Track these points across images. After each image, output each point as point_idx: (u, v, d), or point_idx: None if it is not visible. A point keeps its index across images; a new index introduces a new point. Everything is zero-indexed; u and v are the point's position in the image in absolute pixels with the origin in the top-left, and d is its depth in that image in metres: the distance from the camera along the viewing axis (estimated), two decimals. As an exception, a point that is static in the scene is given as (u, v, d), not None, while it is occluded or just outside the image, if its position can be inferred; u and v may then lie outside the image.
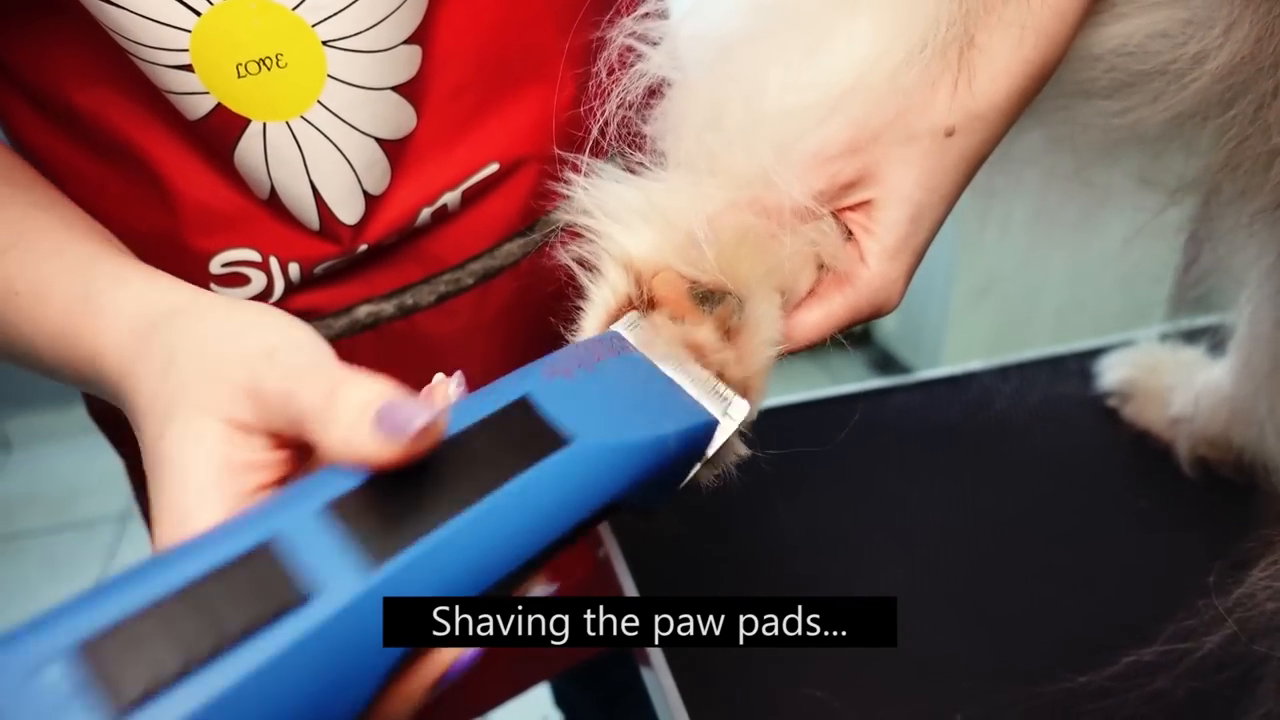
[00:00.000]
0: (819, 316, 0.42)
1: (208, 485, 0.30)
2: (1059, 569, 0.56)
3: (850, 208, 0.42)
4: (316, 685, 0.23)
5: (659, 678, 0.51)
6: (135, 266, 0.39)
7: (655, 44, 0.43)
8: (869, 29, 0.40)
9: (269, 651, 0.22)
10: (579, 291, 0.43)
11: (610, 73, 0.43)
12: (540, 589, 0.32)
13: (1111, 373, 0.71)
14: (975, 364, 0.76)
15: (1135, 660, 0.42)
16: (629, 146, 0.44)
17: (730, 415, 0.38)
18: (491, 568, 0.28)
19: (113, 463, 0.60)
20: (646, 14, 0.44)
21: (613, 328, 0.40)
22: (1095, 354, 0.75)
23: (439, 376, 0.35)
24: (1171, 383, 0.67)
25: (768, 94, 0.41)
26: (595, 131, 0.43)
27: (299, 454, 0.32)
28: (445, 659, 0.28)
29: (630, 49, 0.43)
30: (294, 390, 0.30)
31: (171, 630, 0.22)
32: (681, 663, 0.51)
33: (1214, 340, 0.67)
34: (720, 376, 0.40)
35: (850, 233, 0.42)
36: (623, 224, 0.42)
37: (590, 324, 0.42)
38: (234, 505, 0.30)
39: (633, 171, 0.44)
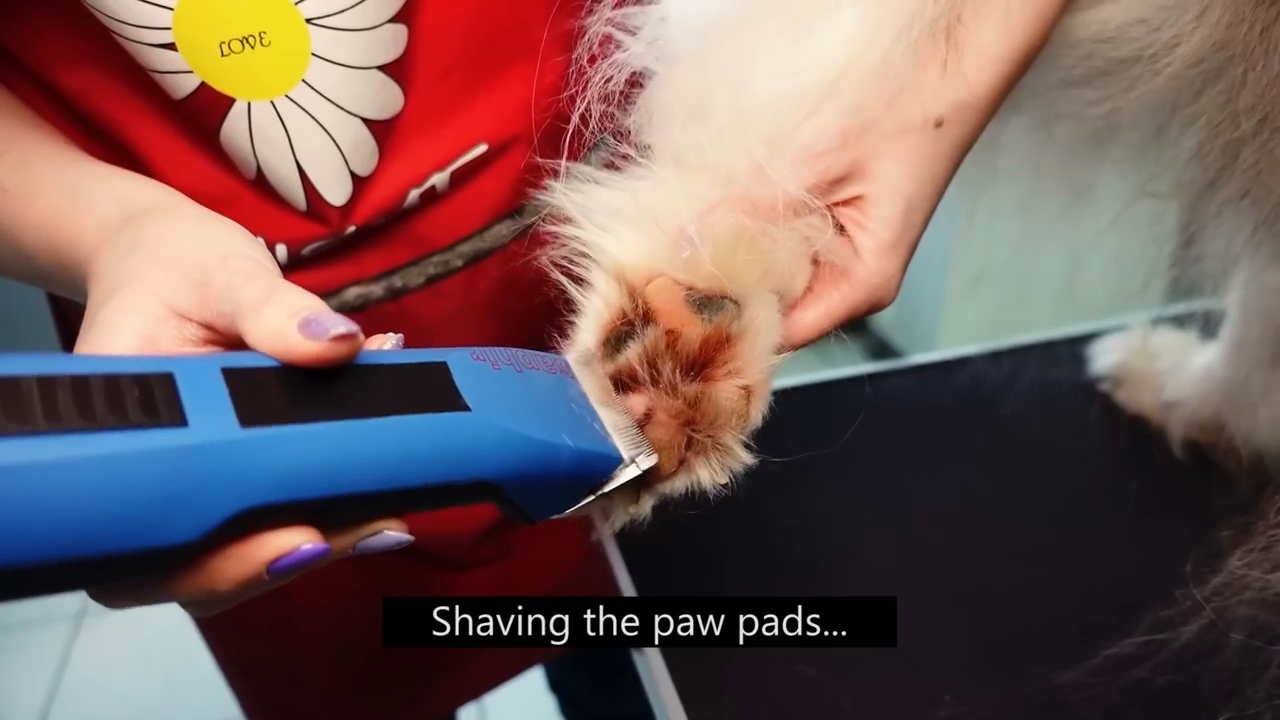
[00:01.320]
0: (817, 315, 0.42)
1: (124, 349, 0.32)
2: (1050, 553, 0.57)
3: (841, 203, 0.41)
4: (155, 496, 0.25)
5: (649, 658, 0.51)
6: (125, 171, 0.41)
7: (635, 33, 0.43)
8: (855, 13, 0.39)
9: (131, 446, 0.25)
10: (570, 305, 0.42)
11: (591, 61, 0.43)
12: (392, 534, 0.32)
13: (1103, 357, 0.71)
14: (968, 349, 0.76)
15: (1115, 652, 0.42)
16: (613, 137, 0.43)
17: (638, 463, 0.38)
18: (341, 480, 0.29)
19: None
20: (627, 1, 0.43)
21: (565, 355, 0.40)
22: (1087, 339, 0.75)
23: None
24: (1163, 367, 0.67)
25: (754, 84, 0.40)
26: (576, 120, 0.43)
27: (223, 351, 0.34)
28: (276, 547, 0.29)
29: (611, 37, 0.43)
30: (237, 285, 0.32)
31: (54, 401, 0.24)
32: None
33: (1205, 325, 0.67)
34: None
35: (842, 228, 0.42)
36: (610, 231, 0.41)
37: (584, 338, 0.41)
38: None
39: (617, 166, 0.43)
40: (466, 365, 0.34)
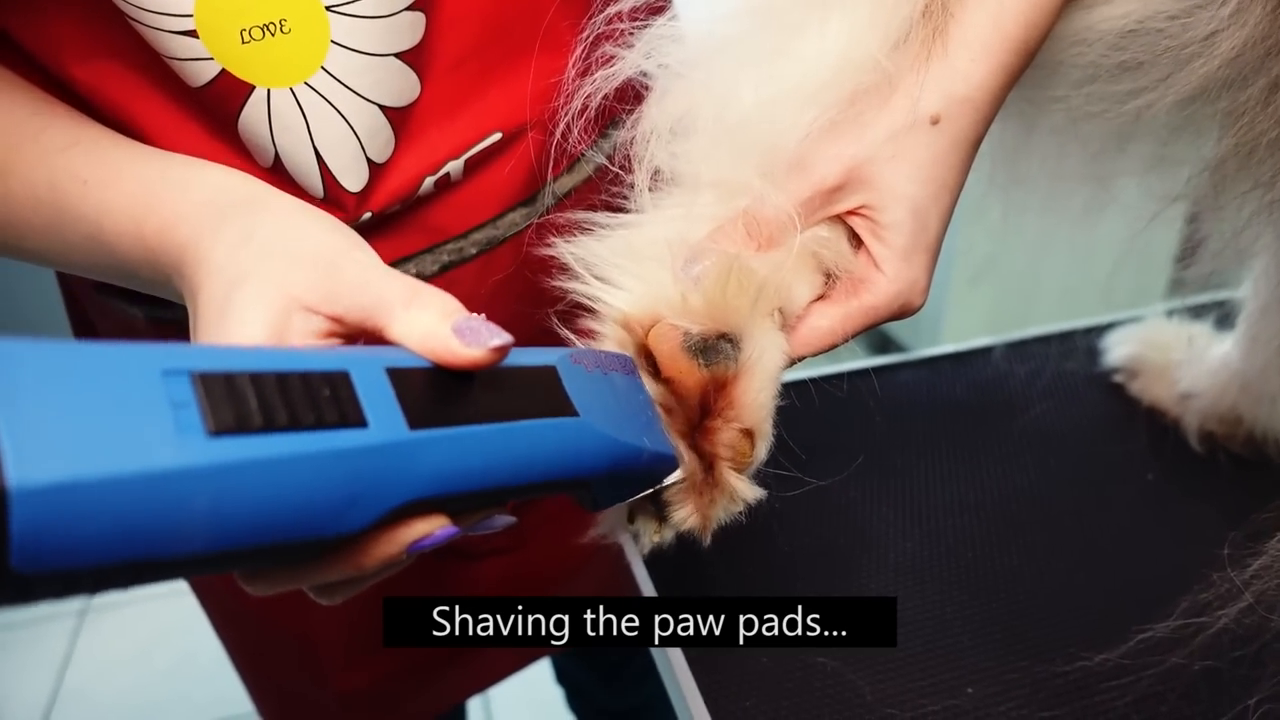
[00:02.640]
0: (833, 322, 0.42)
1: (256, 340, 0.33)
2: (1068, 542, 0.57)
3: (850, 213, 0.41)
4: (340, 491, 0.27)
5: (667, 650, 0.51)
6: (207, 161, 0.42)
7: (631, 46, 0.43)
8: (842, 16, 0.39)
9: (327, 446, 0.27)
10: (535, 261, 0.45)
11: (585, 72, 0.43)
12: (501, 518, 0.37)
13: (1118, 348, 0.71)
14: (982, 340, 0.76)
15: (1150, 636, 0.42)
16: (603, 156, 0.45)
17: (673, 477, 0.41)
18: (481, 477, 0.32)
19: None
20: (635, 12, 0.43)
21: (629, 354, 0.41)
22: (1102, 330, 0.75)
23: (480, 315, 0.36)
24: (1179, 358, 0.67)
25: (740, 96, 0.40)
26: (558, 134, 0.45)
27: (345, 343, 0.35)
28: (418, 532, 0.31)
29: (609, 48, 0.44)
30: (372, 281, 0.34)
31: (263, 397, 0.26)
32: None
33: (1221, 315, 0.67)
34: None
35: (859, 239, 0.42)
36: (611, 283, 0.42)
37: None
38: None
39: (598, 184, 0.44)
40: (569, 369, 0.37)
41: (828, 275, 0.43)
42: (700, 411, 0.41)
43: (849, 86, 0.39)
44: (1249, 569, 0.38)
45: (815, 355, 0.43)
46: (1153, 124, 0.52)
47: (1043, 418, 0.67)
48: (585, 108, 0.44)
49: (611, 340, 0.42)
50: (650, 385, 0.41)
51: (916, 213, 0.40)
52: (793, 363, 0.43)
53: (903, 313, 0.42)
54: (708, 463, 0.41)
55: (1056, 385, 0.71)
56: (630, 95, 0.45)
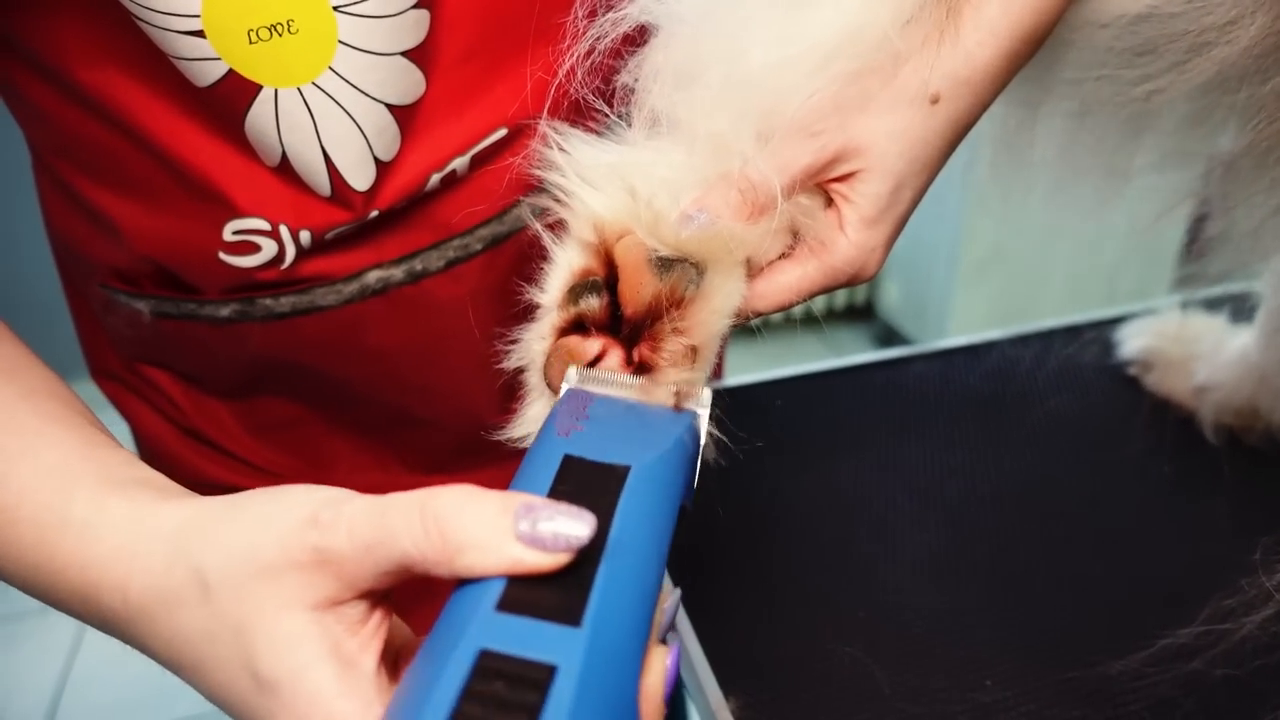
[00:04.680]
0: (792, 279, 0.43)
1: (338, 692, 0.28)
2: (1084, 535, 0.56)
3: (834, 178, 0.41)
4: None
5: (684, 639, 0.51)
6: (110, 476, 0.35)
7: None
8: None
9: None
10: (537, 254, 0.44)
11: (590, 15, 0.42)
12: (670, 600, 0.34)
13: (1132, 341, 0.71)
14: (994, 332, 0.76)
15: (1171, 642, 0.42)
16: (600, 98, 0.44)
17: (700, 405, 0.40)
18: (647, 583, 0.30)
19: (118, 429, 0.59)
20: None
21: (565, 386, 0.41)
22: (1115, 322, 0.74)
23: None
24: (1194, 351, 0.66)
25: (752, 52, 0.40)
26: (561, 76, 0.43)
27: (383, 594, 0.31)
28: (657, 678, 0.30)
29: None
30: (378, 540, 0.29)
31: None
32: (706, 627, 0.51)
33: (1236, 309, 0.66)
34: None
35: (829, 199, 0.42)
36: (594, 185, 0.42)
37: (554, 284, 0.42)
38: (368, 687, 0.29)
39: (599, 132, 0.44)
40: (574, 443, 0.35)
41: (794, 234, 0.43)
42: (642, 324, 0.41)
43: (857, 58, 0.39)
44: (1278, 575, 0.37)
45: (769, 312, 0.43)
46: (1166, 114, 0.51)
47: (1057, 410, 0.67)
48: (592, 50, 0.43)
49: (576, 240, 0.42)
50: (589, 300, 0.41)
51: (896, 188, 0.41)
52: (747, 318, 0.44)
53: (856, 278, 0.43)
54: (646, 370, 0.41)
55: (1071, 378, 0.71)
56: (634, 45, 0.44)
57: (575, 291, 0.41)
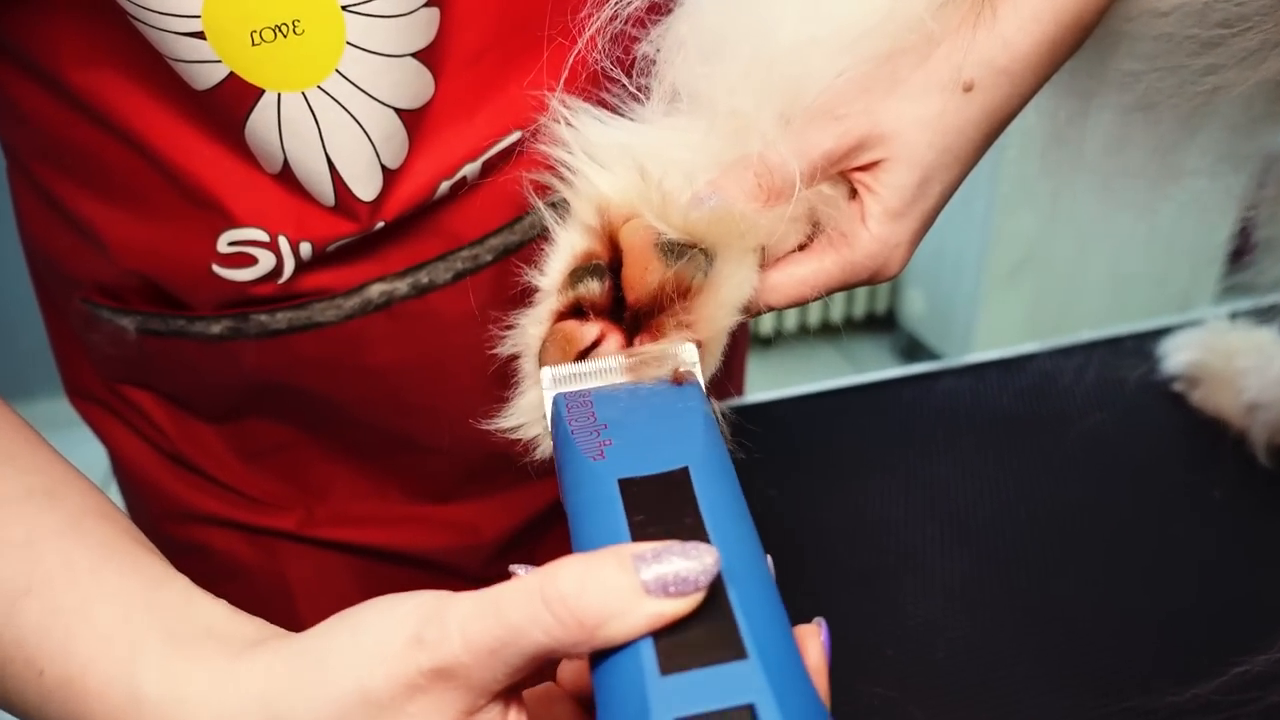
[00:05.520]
0: (808, 272, 0.44)
1: None
2: (1129, 564, 0.58)
3: (858, 167, 0.43)
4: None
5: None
6: (176, 631, 0.34)
7: None
8: None
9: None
10: (546, 235, 0.45)
11: None
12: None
13: (1178, 355, 0.72)
14: (1028, 345, 0.78)
15: (1246, 670, 0.43)
16: (620, 67, 0.45)
17: (686, 359, 0.41)
18: (763, 571, 0.32)
19: (95, 453, 0.61)
20: None
21: (551, 395, 0.42)
22: (1159, 334, 0.76)
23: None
24: (1244, 366, 0.68)
25: (783, 27, 0.41)
26: (581, 45, 0.45)
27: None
28: (816, 647, 0.32)
29: None
30: (502, 643, 0.29)
31: None
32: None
33: (1288, 321, 0.68)
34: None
35: (854, 190, 0.44)
36: (601, 164, 0.43)
37: (554, 267, 0.44)
38: None
39: (614, 107, 0.45)
40: (614, 463, 0.36)
41: (814, 225, 0.44)
42: (647, 313, 0.42)
43: (889, 40, 0.40)
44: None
45: (781, 306, 0.45)
46: (1227, 112, 0.53)
47: (1097, 429, 0.69)
48: (615, 17, 0.44)
49: (580, 221, 0.43)
50: (590, 284, 0.42)
51: (924, 180, 0.42)
52: (758, 311, 0.45)
53: (877, 276, 0.44)
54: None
55: (1111, 394, 0.73)
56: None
57: (576, 275, 0.43)
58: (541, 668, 0.30)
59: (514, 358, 0.45)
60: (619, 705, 0.28)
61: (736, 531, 0.33)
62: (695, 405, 0.39)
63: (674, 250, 0.42)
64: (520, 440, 0.45)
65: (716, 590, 0.29)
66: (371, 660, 0.30)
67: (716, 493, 0.34)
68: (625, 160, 0.43)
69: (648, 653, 0.28)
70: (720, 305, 0.43)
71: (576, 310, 0.43)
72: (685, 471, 0.34)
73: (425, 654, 0.29)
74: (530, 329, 0.44)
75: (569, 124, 0.44)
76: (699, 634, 0.29)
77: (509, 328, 0.45)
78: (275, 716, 0.31)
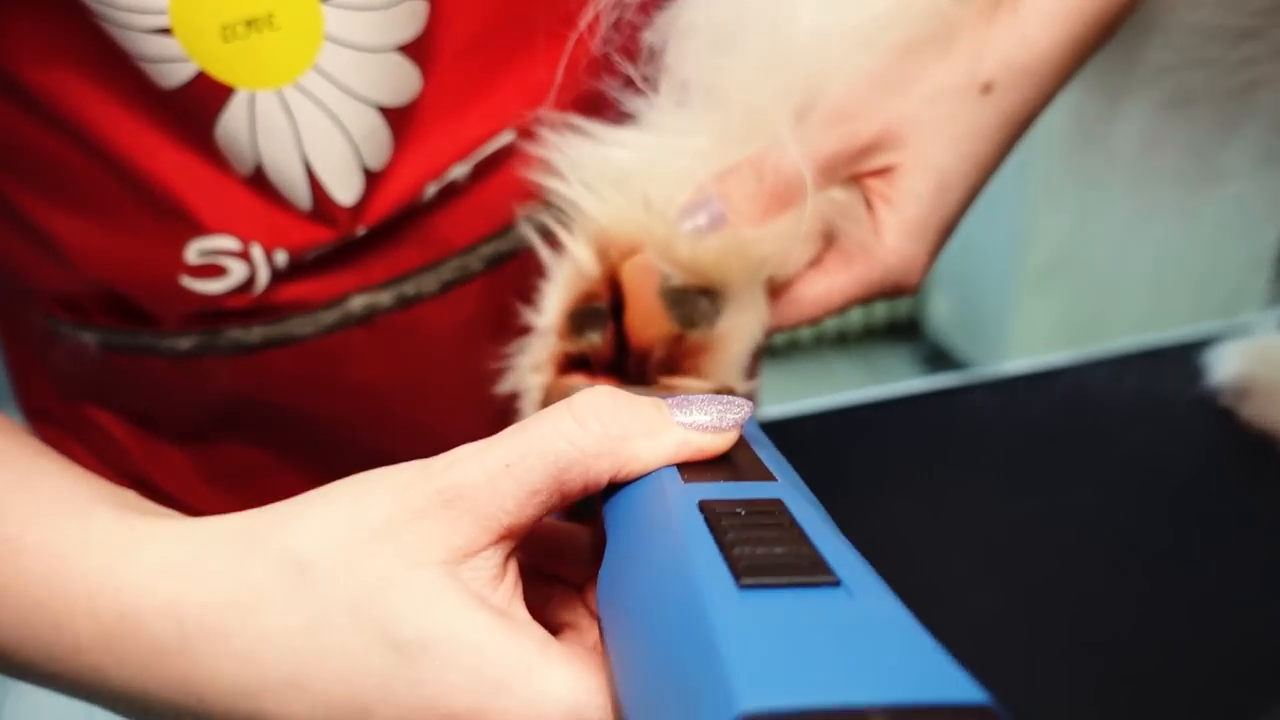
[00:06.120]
0: (820, 292, 0.44)
1: (508, 638, 0.29)
2: (1176, 596, 0.58)
3: (870, 173, 0.43)
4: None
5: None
6: (130, 502, 0.36)
7: None
8: None
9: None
10: (541, 269, 0.45)
11: None
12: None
13: (1226, 366, 0.72)
14: (1063, 355, 0.78)
15: None
16: (625, 58, 0.45)
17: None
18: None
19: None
20: None
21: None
22: (1203, 344, 0.76)
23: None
24: (1298, 377, 0.68)
25: (798, 17, 0.42)
26: (587, 20, 0.45)
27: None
28: None
29: None
30: (520, 454, 0.29)
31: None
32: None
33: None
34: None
35: (868, 201, 0.44)
36: (599, 194, 0.44)
37: (551, 305, 0.44)
38: (538, 637, 0.29)
39: (615, 118, 0.45)
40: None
41: (826, 239, 0.45)
42: (652, 360, 0.43)
43: (908, 33, 0.41)
44: None
45: (792, 327, 0.45)
46: (1269, 106, 0.53)
47: (1138, 448, 0.69)
48: (618, 3, 0.45)
49: (577, 261, 0.44)
50: (590, 336, 0.43)
51: (941, 186, 0.42)
52: (767, 335, 0.45)
53: (896, 290, 0.45)
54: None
55: (1152, 409, 0.73)
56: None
57: (576, 320, 0.43)
58: (553, 505, 0.30)
59: (513, 396, 0.46)
60: (640, 512, 0.29)
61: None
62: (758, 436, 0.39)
63: (679, 298, 0.42)
64: None
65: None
66: (374, 490, 0.30)
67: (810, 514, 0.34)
68: (625, 185, 0.43)
69: (670, 472, 0.30)
70: (729, 358, 0.43)
71: (579, 360, 0.44)
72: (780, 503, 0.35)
73: (433, 479, 0.30)
74: (529, 376, 0.45)
75: (560, 148, 0.45)
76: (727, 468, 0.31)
77: (505, 359, 0.46)
78: (252, 551, 0.31)
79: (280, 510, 0.32)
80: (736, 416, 0.31)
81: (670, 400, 0.31)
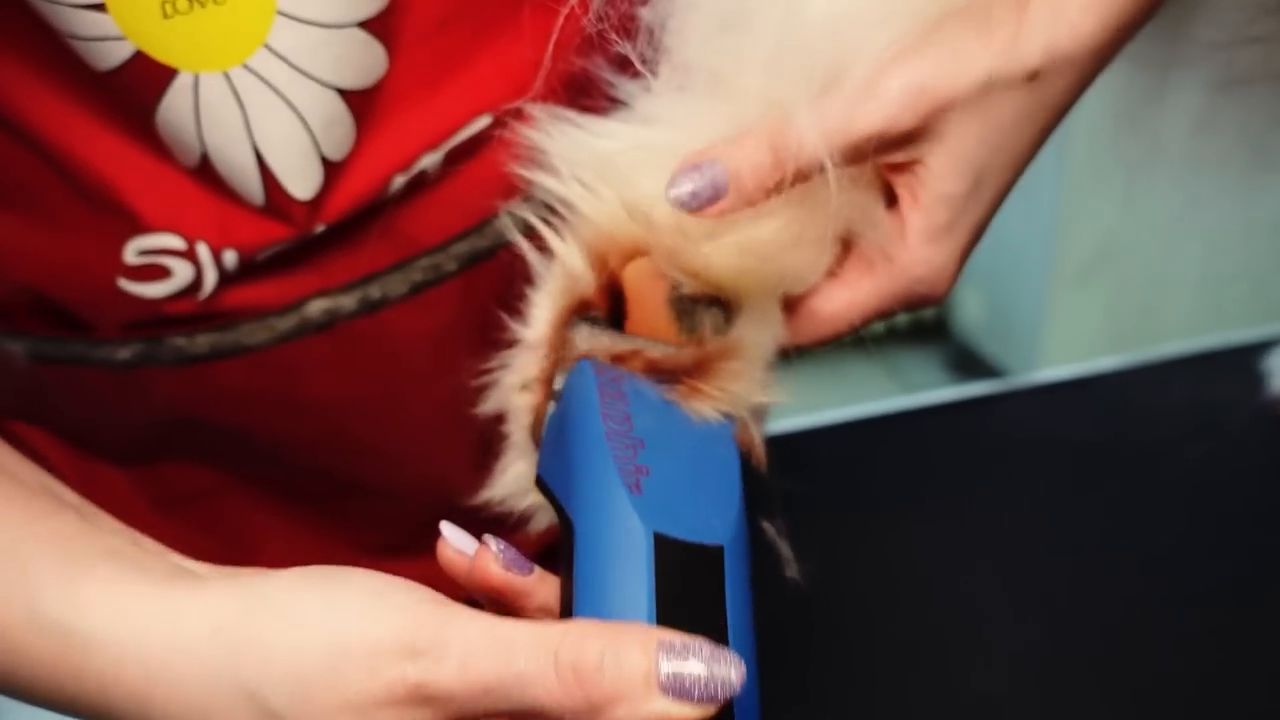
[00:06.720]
0: (840, 306, 0.44)
1: None
2: (1236, 633, 0.57)
3: (896, 167, 0.43)
4: None
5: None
6: (92, 548, 0.39)
7: None
8: None
9: None
10: (529, 275, 0.45)
11: None
12: None
13: (1285, 372, 0.72)
14: (1105, 360, 0.77)
15: None
16: (620, 34, 0.44)
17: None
18: (754, 683, 0.35)
19: None
20: None
21: (581, 359, 0.42)
22: (1259, 348, 0.76)
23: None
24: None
25: None
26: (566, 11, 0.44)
27: None
28: None
29: None
30: (501, 684, 0.31)
31: None
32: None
33: None
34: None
35: (891, 200, 0.43)
36: (593, 191, 0.43)
37: (539, 317, 0.44)
38: None
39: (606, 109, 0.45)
40: (658, 503, 0.37)
41: (844, 246, 0.44)
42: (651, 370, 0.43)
43: (941, 7, 0.41)
44: None
45: (809, 345, 0.45)
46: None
47: (1192, 464, 0.68)
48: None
49: (568, 267, 0.43)
50: (587, 333, 0.43)
51: (975, 185, 0.42)
52: (783, 350, 0.45)
53: (922, 301, 0.44)
54: None
55: (1205, 420, 0.72)
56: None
57: (575, 326, 0.43)
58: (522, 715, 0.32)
59: (497, 419, 0.46)
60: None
61: (745, 626, 0.35)
62: (730, 460, 0.40)
63: (688, 309, 0.42)
64: (510, 513, 0.47)
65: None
66: (353, 649, 0.32)
67: (739, 581, 0.36)
68: (622, 180, 0.43)
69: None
70: (739, 375, 0.43)
71: None
72: (720, 552, 0.36)
73: (416, 668, 0.32)
74: (515, 395, 0.44)
75: (549, 135, 0.44)
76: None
77: (486, 375, 0.45)
78: (223, 669, 0.33)
79: (254, 620, 0.34)
80: (723, 686, 0.31)
81: (663, 644, 0.31)
